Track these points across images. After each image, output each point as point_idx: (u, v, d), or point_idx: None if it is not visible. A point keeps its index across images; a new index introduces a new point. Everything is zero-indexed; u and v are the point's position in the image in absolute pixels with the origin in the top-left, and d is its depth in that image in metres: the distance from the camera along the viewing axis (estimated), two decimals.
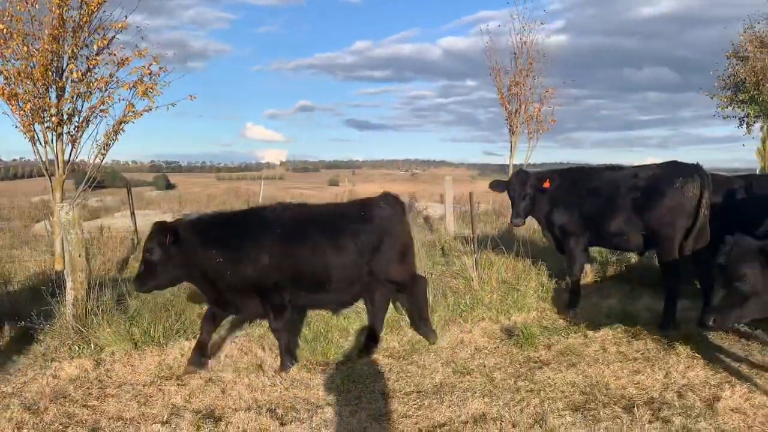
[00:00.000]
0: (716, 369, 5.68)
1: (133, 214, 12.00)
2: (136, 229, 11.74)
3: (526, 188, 7.79)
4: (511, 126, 12.20)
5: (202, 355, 5.83)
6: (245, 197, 25.93)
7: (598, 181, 7.45)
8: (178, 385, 5.46)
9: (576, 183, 7.65)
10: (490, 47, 12.23)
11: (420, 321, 6.68)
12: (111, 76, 8.38)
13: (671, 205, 6.78)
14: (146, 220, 15.66)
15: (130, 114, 8.53)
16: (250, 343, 6.43)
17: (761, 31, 16.42)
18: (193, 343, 6.13)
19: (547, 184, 7.65)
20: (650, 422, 4.54)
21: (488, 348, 6.49)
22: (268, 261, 5.58)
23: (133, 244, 11.51)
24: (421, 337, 6.70)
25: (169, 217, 16.69)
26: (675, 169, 6.97)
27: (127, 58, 8.40)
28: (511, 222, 8.11)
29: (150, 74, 8.59)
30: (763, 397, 4.97)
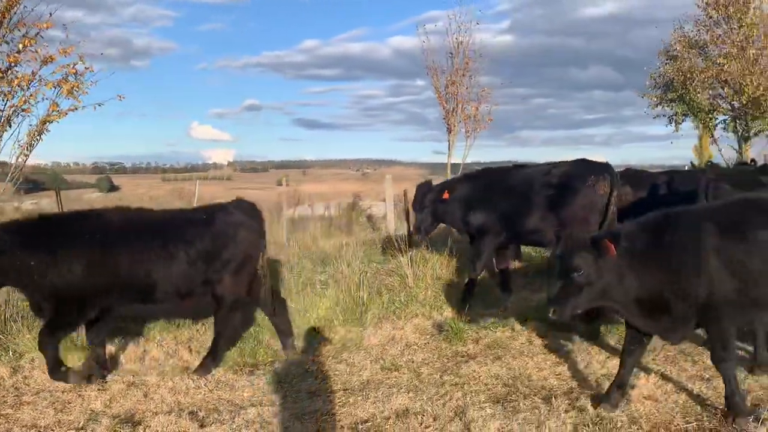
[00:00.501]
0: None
1: None
2: None
3: (425, 202, 7.82)
4: (448, 125, 12.34)
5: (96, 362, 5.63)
6: (188, 198, 25.46)
7: (513, 181, 7.57)
8: (98, 390, 5.32)
9: (491, 184, 7.72)
10: (428, 47, 12.35)
11: (281, 335, 6.31)
12: (34, 74, 8.06)
13: (584, 203, 6.97)
14: None
15: (54, 113, 8.23)
16: (177, 346, 6.33)
17: (690, 32, 17.07)
18: (125, 348, 6.02)
19: (446, 196, 7.65)
20: (566, 411, 4.66)
21: (418, 344, 6.55)
22: (81, 267, 5.18)
23: None
24: (352, 335, 6.71)
25: None
26: (586, 168, 7.17)
27: (51, 56, 8.09)
28: (413, 234, 8.12)
29: (75, 73, 8.32)
30: (674, 384, 5.16)
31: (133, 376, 5.65)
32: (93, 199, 31.71)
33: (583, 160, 7.36)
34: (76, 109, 8.34)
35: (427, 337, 6.77)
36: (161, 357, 6.11)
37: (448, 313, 7.55)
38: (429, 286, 8.19)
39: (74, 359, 5.89)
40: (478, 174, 8.39)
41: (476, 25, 12.27)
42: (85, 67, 8.37)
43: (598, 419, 4.54)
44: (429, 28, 12.41)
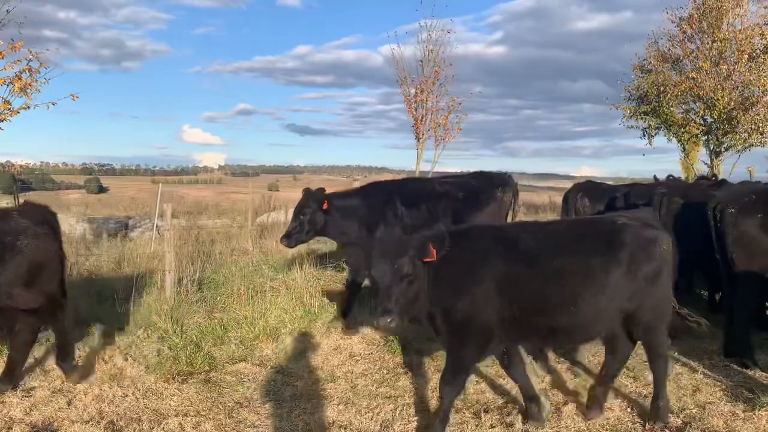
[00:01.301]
0: (576, 373, 5.80)
1: None
2: None
3: (304, 209, 7.45)
4: (417, 133, 12.29)
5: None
6: (177, 200, 25.24)
7: (417, 193, 7.46)
8: (22, 397, 5.17)
9: (391, 196, 7.52)
10: (398, 55, 12.29)
11: (60, 354, 5.62)
12: None
13: (492, 212, 7.07)
14: None
15: (6, 112, 8.11)
16: (114, 353, 6.18)
17: (663, 46, 17.15)
18: (57, 353, 5.89)
19: (325, 206, 7.35)
20: (492, 426, 4.58)
21: (362, 354, 6.45)
22: None
23: None
24: (297, 344, 6.59)
25: (74, 221, 16.06)
26: (493, 179, 7.30)
27: (1, 52, 7.98)
28: (280, 240, 7.74)
29: (29, 70, 8.20)
30: (611, 401, 5.07)
31: (62, 382, 5.50)
32: (71, 200, 31.37)
33: (487, 172, 7.42)
34: (28, 107, 8.21)
35: (373, 347, 6.67)
36: (97, 364, 5.95)
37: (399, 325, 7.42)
38: None
39: None
40: (368, 186, 8.08)
41: (447, 34, 12.23)
42: (40, 63, 8.25)
43: None
44: (398, 34, 12.43)
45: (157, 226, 14.45)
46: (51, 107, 8.51)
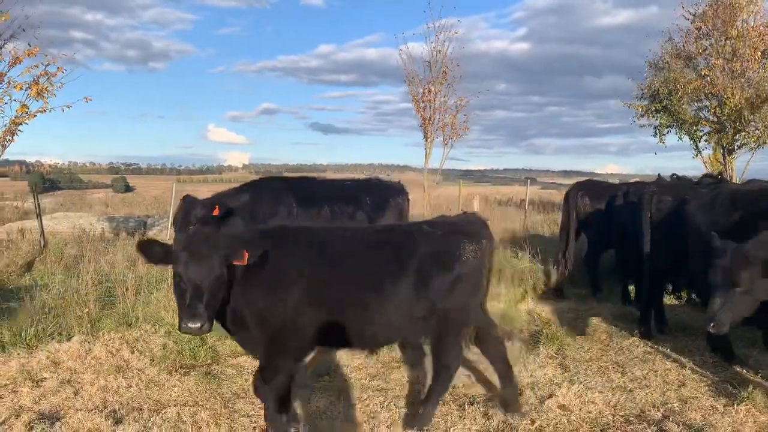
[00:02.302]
0: (566, 367, 5.95)
1: (39, 215, 11.87)
2: (42, 232, 11.63)
3: (189, 218, 6.92)
4: (425, 132, 12.45)
5: None
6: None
7: (313, 193, 7.38)
8: (33, 387, 5.46)
9: (283, 194, 7.32)
10: (407, 55, 12.46)
11: None
12: (2, 75, 8.30)
13: (395, 215, 7.36)
14: (69, 222, 15.51)
15: (24, 115, 8.46)
16: (122, 346, 6.45)
17: (678, 43, 17.06)
18: (65, 345, 6.17)
19: (216, 212, 6.91)
20: (474, 418, 4.75)
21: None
22: None
23: (40, 247, 11.39)
24: None
25: (94, 220, 16.50)
26: (389, 186, 7.75)
27: (19, 57, 8.32)
28: None
29: (46, 75, 8.54)
30: (595, 394, 5.22)
31: (71, 373, 5.79)
32: (94, 199, 32.05)
33: (379, 180, 7.75)
34: (45, 111, 8.55)
35: None
36: (102, 356, 6.23)
37: None
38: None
39: None
40: (253, 185, 7.77)
41: (455, 34, 12.37)
42: (58, 68, 8.57)
43: (504, 426, 4.63)
44: (406, 35, 12.62)
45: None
46: (74, 108, 8.88)
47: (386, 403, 5.10)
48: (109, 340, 6.67)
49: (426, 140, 12.41)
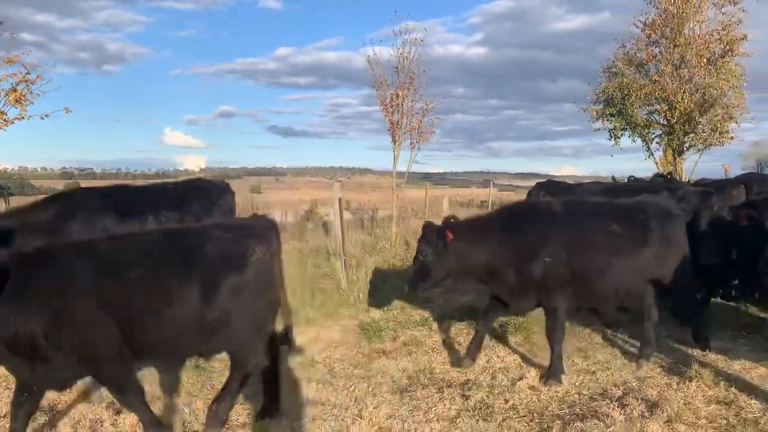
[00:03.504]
0: (534, 353, 6.39)
1: None
2: None
3: None
4: (393, 136, 12.84)
5: None
6: None
7: (140, 202, 7.16)
8: None
9: (95, 208, 6.95)
10: (373, 60, 12.83)
11: None
12: None
13: (222, 216, 7.35)
14: None
15: (1, 122, 8.54)
16: None
17: (630, 50, 17.94)
18: None
19: None
20: (453, 399, 5.15)
21: (340, 342, 6.98)
22: None
23: None
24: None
25: None
26: (212, 186, 7.85)
27: None
28: None
29: (26, 82, 8.64)
30: (561, 376, 5.67)
31: None
32: None
33: (203, 180, 7.83)
34: (23, 118, 8.65)
35: (351, 336, 7.21)
36: None
37: (376, 314, 7.98)
38: (360, 290, 8.63)
39: None
40: (62, 198, 7.28)
41: (421, 41, 12.81)
42: (38, 76, 8.70)
43: (481, 405, 5.04)
44: (379, 38, 12.93)
45: None
46: (34, 114, 8.98)
47: (370, 389, 5.46)
48: None
49: (394, 144, 12.81)
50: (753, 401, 5.00)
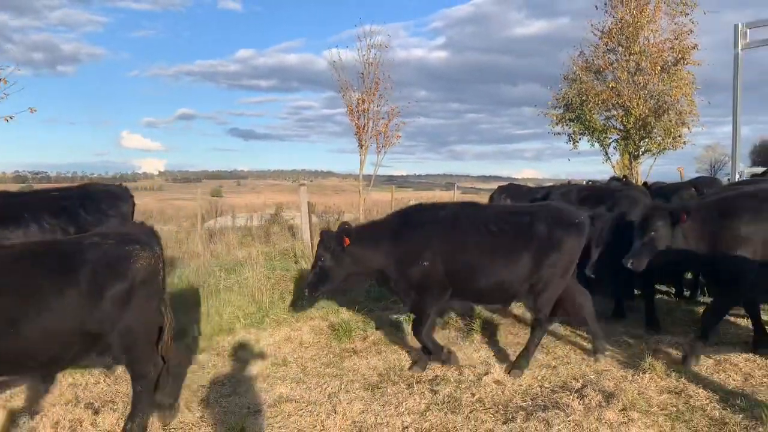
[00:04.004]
0: (498, 350, 6.68)
1: None
2: None
3: None
4: (359, 140, 13.07)
5: None
6: None
7: (22, 210, 7.00)
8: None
9: None
10: (338, 65, 13.04)
11: None
12: None
13: (118, 223, 7.25)
14: None
15: None
16: None
17: (588, 57, 18.56)
18: None
19: None
20: (422, 394, 5.39)
21: (311, 342, 7.16)
22: None
23: None
24: (251, 336, 7.26)
25: None
26: (109, 190, 7.76)
27: None
28: None
29: None
30: (524, 371, 5.96)
31: None
32: None
33: (98, 185, 7.77)
34: None
35: (321, 336, 7.38)
36: None
37: (345, 315, 8.18)
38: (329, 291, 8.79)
39: None
40: None
41: (386, 48, 13.08)
42: (1, 79, 8.66)
43: (449, 399, 5.29)
44: (344, 40, 13.16)
45: None
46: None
47: (342, 386, 5.66)
48: None
49: (361, 148, 13.03)
50: (701, 390, 5.36)
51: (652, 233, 6.01)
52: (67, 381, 5.80)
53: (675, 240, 5.99)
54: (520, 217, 6.18)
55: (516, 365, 6.00)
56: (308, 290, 6.43)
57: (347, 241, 6.15)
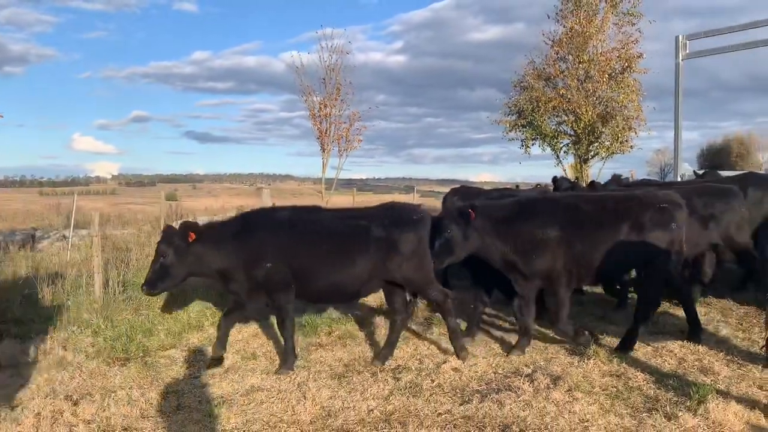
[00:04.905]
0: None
1: None
2: None
3: None
4: (322, 144, 13.41)
5: None
6: (67, 213, 24.89)
7: None
8: None
9: None
10: (300, 70, 13.35)
11: None
12: None
13: None
14: None
15: None
16: (53, 345, 6.89)
17: (539, 65, 19.34)
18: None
19: None
20: (385, 381, 5.78)
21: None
22: None
23: None
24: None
25: None
26: None
27: None
28: None
29: None
30: (480, 359, 6.44)
31: (11, 369, 6.20)
32: None
33: None
34: None
35: None
36: (38, 354, 6.66)
37: (311, 311, 8.51)
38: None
39: None
40: None
41: (347, 55, 13.46)
42: None
43: (410, 385, 5.69)
44: (303, 43, 13.46)
45: (64, 237, 14.88)
46: None
47: (311, 376, 6.00)
48: (40, 340, 7.08)
49: (323, 152, 13.37)
50: (638, 373, 5.90)
51: (446, 233, 6.38)
52: (43, 376, 6.01)
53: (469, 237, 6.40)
54: (359, 218, 6.46)
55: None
56: (146, 287, 6.30)
57: (192, 236, 6.17)
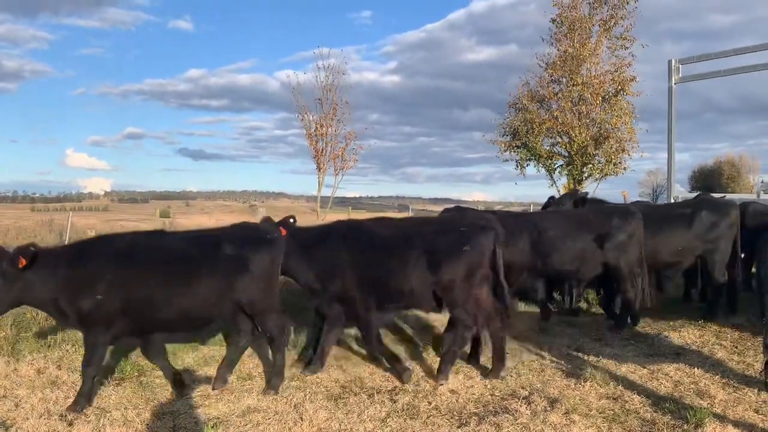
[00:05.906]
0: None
1: None
2: None
3: None
4: (318, 163, 13.47)
5: None
6: (60, 229, 24.78)
7: None
8: None
9: None
10: (297, 90, 13.44)
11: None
12: None
13: None
14: None
15: None
16: (47, 364, 6.84)
17: (533, 87, 19.59)
18: None
19: None
20: (382, 402, 5.77)
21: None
22: None
23: None
24: (214, 353, 7.50)
25: None
26: None
27: None
28: None
29: None
30: (477, 381, 6.45)
31: (4, 390, 6.14)
32: None
33: None
34: None
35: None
36: (31, 373, 6.61)
37: (305, 333, 8.49)
38: (289, 310, 9.09)
39: None
40: None
41: (343, 76, 13.57)
42: None
43: (407, 407, 5.69)
44: (297, 62, 13.56)
45: None
46: None
47: (307, 397, 5.99)
48: (33, 360, 7.02)
49: (319, 171, 13.43)
50: (635, 396, 5.92)
51: None
52: (36, 396, 5.95)
53: None
54: (208, 240, 6.25)
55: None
56: None
57: (22, 262, 5.55)
